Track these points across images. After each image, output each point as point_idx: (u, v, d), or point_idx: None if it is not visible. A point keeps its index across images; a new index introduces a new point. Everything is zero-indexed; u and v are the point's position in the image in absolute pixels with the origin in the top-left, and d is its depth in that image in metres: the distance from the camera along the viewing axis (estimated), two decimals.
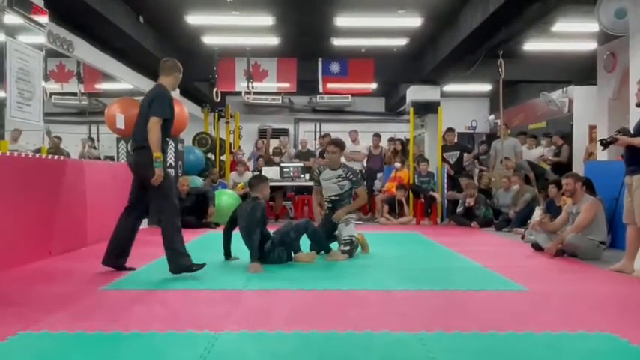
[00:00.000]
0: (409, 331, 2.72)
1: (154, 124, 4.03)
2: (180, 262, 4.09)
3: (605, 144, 4.43)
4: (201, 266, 4.15)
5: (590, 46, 8.41)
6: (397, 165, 9.59)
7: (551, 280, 4.25)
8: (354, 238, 5.18)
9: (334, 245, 5.26)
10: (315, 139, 14.52)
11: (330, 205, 5.42)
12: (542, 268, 4.79)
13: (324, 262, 4.83)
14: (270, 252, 4.64)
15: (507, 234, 7.40)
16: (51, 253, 5.06)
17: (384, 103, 15.55)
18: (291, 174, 9.10)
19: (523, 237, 6.54)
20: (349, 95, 14.09)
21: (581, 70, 9.98)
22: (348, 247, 5.09)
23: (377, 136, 10.55)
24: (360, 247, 5.38)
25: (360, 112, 15.27)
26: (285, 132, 14.56)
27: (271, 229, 4.90)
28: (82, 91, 10.56)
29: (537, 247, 5.61)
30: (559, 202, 6.35)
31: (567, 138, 9.79)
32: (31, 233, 4.79)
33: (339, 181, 5.35)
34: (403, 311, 3.14)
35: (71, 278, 4.13)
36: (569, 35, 8.68)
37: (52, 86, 10.26)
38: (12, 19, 4.97)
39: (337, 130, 12.83)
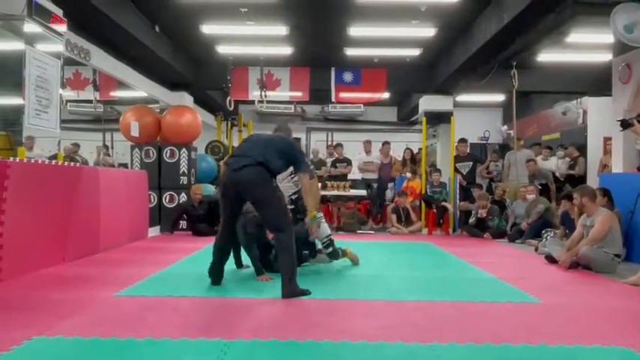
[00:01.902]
0: (422, 342, 2.70)
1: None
2: (294, 288, 3.84)
3: (625, 125, 4.43)
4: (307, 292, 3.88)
5: (605, 57, 8.35)
6: (408, 175, 9.58)
7: (566, 292, 4.21)
8: (332, 237, 5.02)
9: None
10: (327, 148, 14.54)
11: (293, 206, 4.97)
12: (556, 280, 4.75)
13: (336, 272, 4.82)
14: (275, 262, 4.58)
15: (520, 245, 7.34)
16: (64, 259, 5.11)
17: (396, 112, 15.53)
18: None
19: (537, 249, 6.49)
20: (361, 105, 14.11)
21: (595, 81, 9.91)
22: (330, 249, 4.92)
23: (386, 143, 10.54)
24: (345, 257, 5.17)
25: (372, 121, 15.27)
26: (297, 141, 14.59)
27: None
28: (98, 98, 10.67)
29: (551, 260, 5.56)
30: (573, 214, 6.30)
31: (582, 149, 9.73)
32: (46, 239, 4.84)
33: (292, 178, 4.93)
34: (416, 322, 3.12)
35: (85, 284, 4.16)
36: (584, 46, 8.63)
37: (68, 94, 10.38)
38: (31, 27, 5.05)
39: (349, 139, 12.87)
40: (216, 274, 4.20)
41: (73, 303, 3.47)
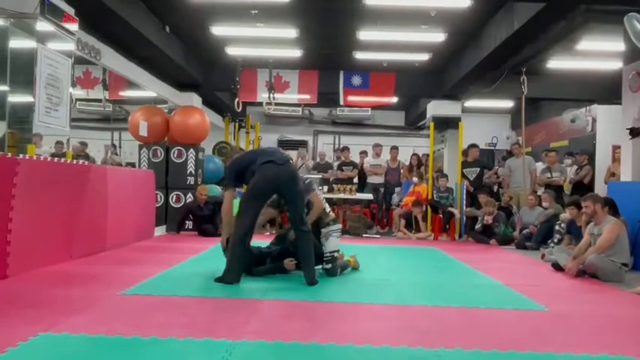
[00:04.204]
0: (428, 347, 2.69)
1: None
2: (310, 275, 4.31)
3: (634, 133, 4.40)
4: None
5: (616, 65, 8.31)
6: (415, 180, 9.56)
7: (572, 300, 4.18)
8: (335, 254, 4.79)
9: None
10: (334, 152, 14.56)
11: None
12: (562, 288, 4.71)
13: (341, 276, 4.80)
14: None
15: (527, 252, 7.30)
16: (71, 257, 5.13)
17: (403, 117, 15.53)
18: None
19: (543, 256, 6.46)
20: (369, 108, 14.12)
21: (605, 89, 9.86)
22: (329, 266, 4.72)
23: (395, 148, 10.53)
24: (349, 266, 5.07)
25: (379, 125, 15.28)
26: (304, 143, 14.62)
27: None
28: (107, 97, 10.74)
29: (557, 267, 5.53)
30: (579, 222, 6.26)
31: (590, 157, 9.66)
32: (54, 236, 4.86)
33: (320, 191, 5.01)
34: (421, 327, 3.11)
35: (91, 282, 4.18)
36: (594, 54, 8.59)
37: (78, 92, 10.46)
38: (43, 26, 5.09)
39: (356, 143, 12.86)
40: (239, 272, 4.26)
41: (79, 300, 3.48)
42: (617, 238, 5.12)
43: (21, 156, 4.45)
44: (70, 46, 5.64)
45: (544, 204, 7.97)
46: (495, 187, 10.42)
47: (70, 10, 5.54)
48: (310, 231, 4.43)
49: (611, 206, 5.68)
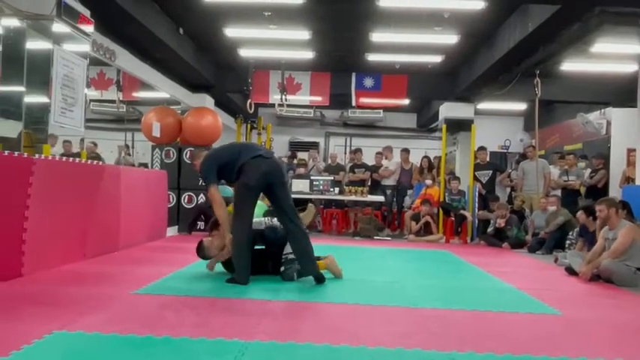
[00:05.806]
0: (441, 350, 2.68)
1: None
2: (313, 268, 4.35)
3: None
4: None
5: (631, 67, 8.24)
6: (428, 182, 9.53)
7: (587, 305, 4.14)
8: (290, 256, 4.49)
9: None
10: (346, 153, 14.55)
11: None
12: (577, 292, 4.67)
13: (352, 278, 4.79)
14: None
15: (539, 256, 7.25)
16: (85, 256, 5.17)
17: (415, 119, 15.49)
18: (321, 187, 9.12)
19: (556, 260, 6.40)
20: (380, 110, 14.11)
21: (620, 92, 9.76)
22: (282, 268, 4.49)
23: (405, 151, 10.49)
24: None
25: (391, 127, 15.24)
26: (315, 145, 14.63)
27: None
28: (120, 98, 10.82)
29: (571, 272, 5.48)
30: (592, 227, 6.19)
31: (605, 161, 9.57)
32: (68, 236, 4.90)
33: None
34: (434, 330, 3.10)
35: (104, 281, 4.21)
36: (609, 56, 8.51)
37: (92, 93, 10.55)
38: (59, 27, 5.15)
39: (368, 144, 12.85)
40: (248, 273, 4.26)
41: (93, 299, 3.51)
42: (633, 242, 5.06)
43: (37, 156, 4.50)
44: (85, 47, 5.71)
45: (550, 207, 7.91)
46: (508, 190, 10.36)
47: (86, 12, 5.60)
48: (301, 223, 4.44)
49: (627, 210, 5.62)
